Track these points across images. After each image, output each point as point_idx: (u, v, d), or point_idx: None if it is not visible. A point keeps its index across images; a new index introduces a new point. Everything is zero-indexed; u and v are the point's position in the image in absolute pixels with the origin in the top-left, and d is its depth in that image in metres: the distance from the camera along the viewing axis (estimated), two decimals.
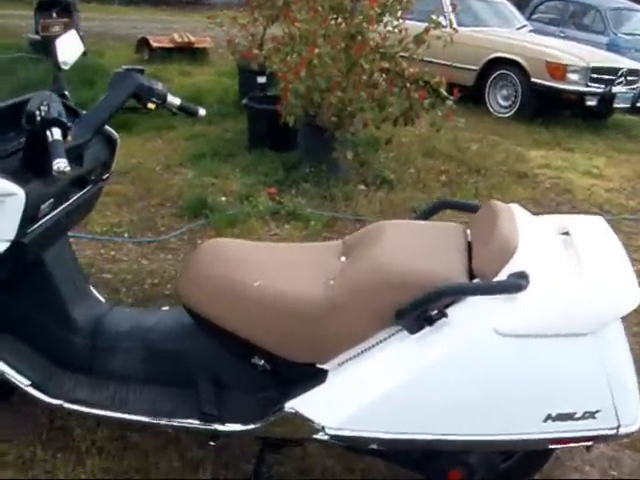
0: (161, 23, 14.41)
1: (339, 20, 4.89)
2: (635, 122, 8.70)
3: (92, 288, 2.70)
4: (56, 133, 1.97)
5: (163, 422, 2.24)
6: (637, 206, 5.55)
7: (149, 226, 4.53)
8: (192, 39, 10.66)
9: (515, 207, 2.30)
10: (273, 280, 2.15)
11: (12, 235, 2.05)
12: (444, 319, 1.94)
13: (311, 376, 2.10)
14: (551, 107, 8.17)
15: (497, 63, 8.36)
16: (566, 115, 8.36)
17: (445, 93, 4.99)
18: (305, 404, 2.08)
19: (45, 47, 6.36)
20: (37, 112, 1.99)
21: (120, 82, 2.36)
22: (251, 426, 2.17)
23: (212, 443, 2.30)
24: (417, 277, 1.99)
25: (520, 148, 6.76)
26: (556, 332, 1.92)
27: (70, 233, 2.61)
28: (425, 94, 4.85)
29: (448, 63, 8.56)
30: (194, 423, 2.22)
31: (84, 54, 2.51)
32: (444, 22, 8.41)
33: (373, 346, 2.04)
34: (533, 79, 8.02)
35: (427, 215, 2.55)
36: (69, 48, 2.48)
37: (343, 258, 2.29)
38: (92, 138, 2.30)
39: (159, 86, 2.42)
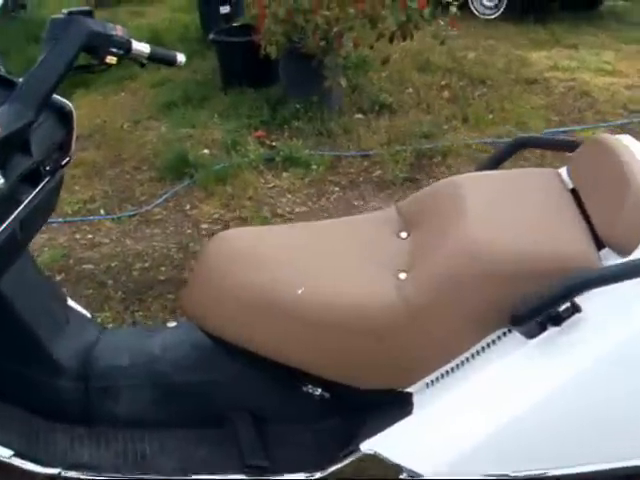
0: None
1: None
2: (628, 8, 7.99)
3: (72, 304, 2.09)
4: None
5: None
6: None
7: (127, 197, 3.89)
8: None
9: (628, 140, 1.68)
10: (321, 282, 1.55)
11: None
12: (577, 314, 1.36)
13: (390, 404, 1.54)
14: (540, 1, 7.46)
15: None
16: (556, 9, 7.64)
17: None
18: (387, 443, 1.52)
19: None
20: None
21: (63, 33, 1.67)
22: (314, 475, 1.60)
23: None
24: (538, 263, 1.40)
25: (519, 51, 6.10)
26: None
27: None
28: (425, 2, 4.16)
29: None
30: (238, 479, 1.65)
31: (22, 7, 1.79)
32: None
33: (472, 358, 1.48)
34: None
35: (502, 159, 1.93)
36: None
37: (404, 234, 1.69)
38: (37, 116, 1.63)
39: (118, 31, 1.76)
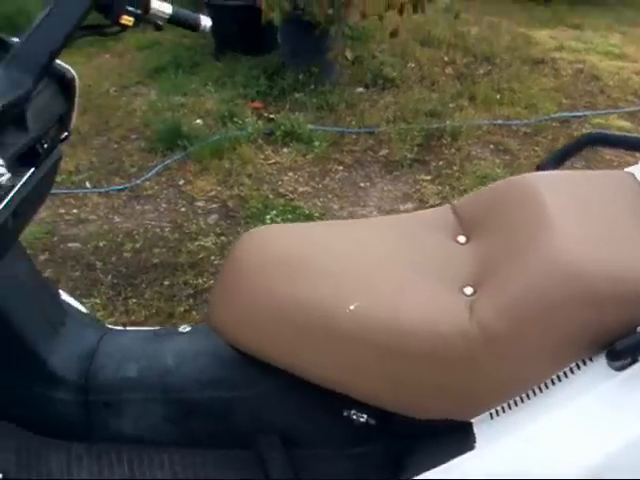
0: None
1: None
2: None
3: (67, 298, 1.85)
4: None
5: None
6: None
7: (115, 169, 3.63)
8: None
9: None
10: (376, 296, 1.32)
11: None
12: None
13: (447, 434, 1.33)
14: None
15: None
16: None
17: None
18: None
19: None
20: None
21: None
22: None
23: None
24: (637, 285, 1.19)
25: (522, 28, 5.87)
26: None
27: None
28: None
29: None
30: None
31: None
32: None
33: (545, 388, 1.27)
34: None
35: (566, 156, 1.70)
36: None
37: (462, 238, 1.47)
38: (36, 84, 1.37)
39: None
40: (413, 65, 4.88)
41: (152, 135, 3.88)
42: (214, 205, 3.25)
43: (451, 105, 4.27)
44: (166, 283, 2.71)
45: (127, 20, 1.51)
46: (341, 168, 3.60)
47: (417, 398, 1.31)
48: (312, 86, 4.31)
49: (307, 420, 1.50)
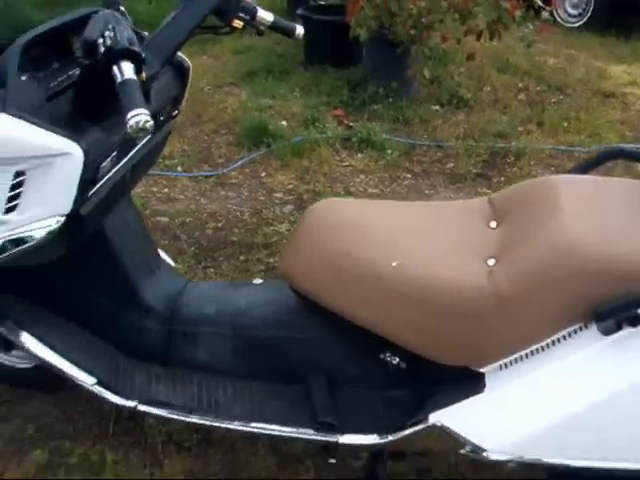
0: None
1: None
2: None
3: (162, 253, 2.21)
4: (127, 69, 1.43)
5: (265, 431, 1.78)
6: None
7: (205, 157, 4.02)
8: None
9: None
10: (414, 258, 1.64)
11: (67, 208, 1.55)
12: None
13: (462, 381, 1.63)
14: (625, 14, 7.35)
15: None
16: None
17: (540, 2, 4.31)
18: (457, 418, 1.61)
19: None
20: (101, 41, 1.45)
21: None
22: (383, 439, 1.70)
23: (332, 460, 1.86)
24: (626, 266, 1.47)
25: (599, 63, 6.07)
26: None
27: None
28: (517, 4, 4.19)
29: None
30: (306, 432, 1.75)
31: None
32: None
33: (547, 347, 1.56)
34: None
35: (593, 166, 2.00)
36: None
37: (494, 224, 1.77)
38: (162, 68, 1.74)
39: None
40: (488, 89, 5.16)
41: (240, 131, 4.26)
42: (290, 197, 3.59)
43: (519, 128, 4.52)
44: (241, 258, 3.06)
45: (237, 24, 1.89)
46: (409, 176, 3.90)
47: (440, 345, 1.62)
48: (390, 100, 4.64)
49: (351, 362, 1.82)
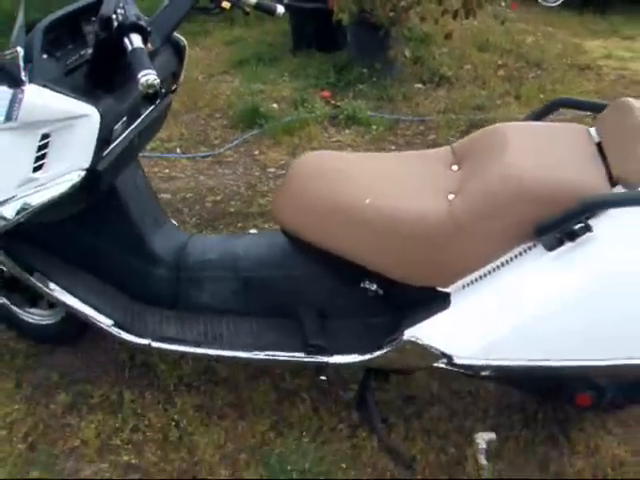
0: None
1: None
2: None
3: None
4: (136, 40, 1.69)
5: (263, 356, 2.05)
6: None
7: (201, 140, 4.28)
8: None
9: None
10: (385, 196, 1.90)
11: (87, 163, 1.82)
12: (588, 234, 1.69)
13: (431, 301, 1.89)
14: None
15: None
16: (617, 1, 7.79)
17: None
18: (427, 332, 1.87)
19: None
20: (114, 16, 1.72)
21: None
22: (365, 357, 1.97)
23: (323, 378, 2.12)
24: (559, 188, 1.73)
25: (577, 39, 6.33)
26: None
27: None
28: None
29: None
30: (299, 356, 2.03)
31: None
32: None
33: (502, 266, 1.82)
34: None
35: (541, 115, 2.26)
36: None
37: (455, 167, 2.03)
38: (162, 45, 2.01)
39: None
40: (469, 67, 5.41)
41: (234, 115, 4.53)
42: (282, 171, 3.84)
43: (498, 102, 4.78)
44: (239, 225, 3.32)
45: (225, 4, 2.15)
46: (393, 148, 4.16)
47: (409, 268, 1.89)
48: (374, 80, 4.90)
49: (336, 294, 2.08)
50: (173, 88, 2.32)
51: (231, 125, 4.42)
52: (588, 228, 1.68)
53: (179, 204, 3.54)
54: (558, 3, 7.71)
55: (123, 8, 1.73)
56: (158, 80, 1.60)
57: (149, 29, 1.75)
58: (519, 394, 2.28)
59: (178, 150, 4.14)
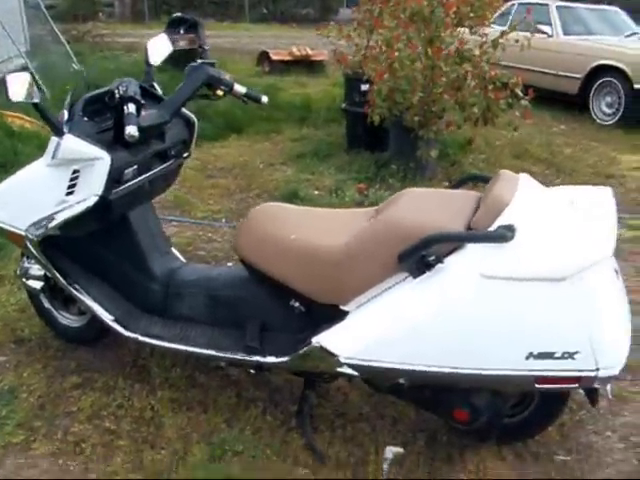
0: (287, 39, 15.06)
1: (419, 26, 5.20)
2: None
3: (174, 251, 3.19)
4: (131, 107, 2.47)
5: (214, 353, 2.68)
6: None
7: (245, 213, 4.99)
8: (309, 52, 11.18)
9: (523, 176, 2.59)
10: (306, 235, 2.55)
11: (99, 191, 2.56)
12: (440, 264, 2.26)
13: (336, 316, 2.47)
14: None
15: (601, 70, 8.35)
16: None
17: (520, 93, 5.19)
18: (328, 338, 2.45)
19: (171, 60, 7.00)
20: (116, 91, 2.49)
21: (194, 73, 2.78)
22: (284, 359, 2.56)
23: (252, 371, 2.74)
24: (416, 227, 2.32)
25: (615, 152, 6.80)
26: (536, 277, 2.19)
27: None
28: (501, 94, 5.09)
29: (552, 72, 8.71)
30: (239, 354, 2.65)
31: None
32: (550, 31, 8.63)
33: (385, 290, 2.39)
34: (636, 85, 7.97)
35: (458, 186, 2.89)
36: (158, 49, 2.97)
37: (371, 220, 2.66)
38: (171, 119, 2.75)
39: (227, 76, 2.87)
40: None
41: (278, 195, 5.28)
42: None
43: None
44: None
45: (220, 93, 2.88)
46: None
47: (317, 288, 2.49)
48: (406, 175, 5.58)
49: (273, 312, 2.70)
50: (185, 155, 3.06)
51: None
52: (440, 260, 2.26)
53: (210, 259, 4.25)
54: (613, 122, 8.23)
55: (126, 86, 2.51)
56: (137, 133, 2.38)
57: (143, 102, 2.52)
58: (430, 416, 2.74)
59: (223, 220, 4.90)
